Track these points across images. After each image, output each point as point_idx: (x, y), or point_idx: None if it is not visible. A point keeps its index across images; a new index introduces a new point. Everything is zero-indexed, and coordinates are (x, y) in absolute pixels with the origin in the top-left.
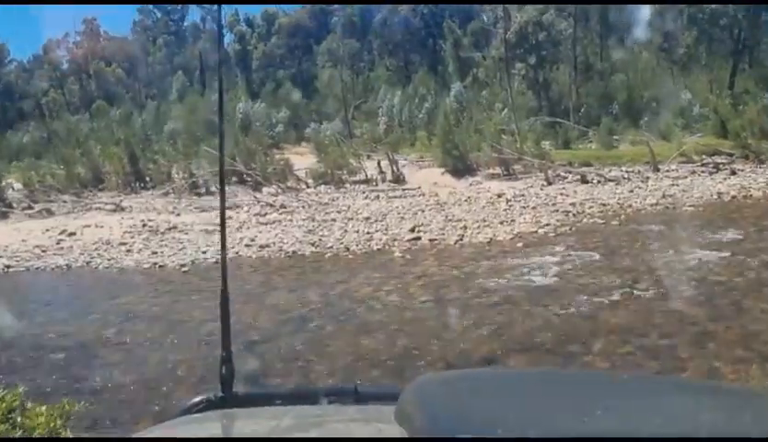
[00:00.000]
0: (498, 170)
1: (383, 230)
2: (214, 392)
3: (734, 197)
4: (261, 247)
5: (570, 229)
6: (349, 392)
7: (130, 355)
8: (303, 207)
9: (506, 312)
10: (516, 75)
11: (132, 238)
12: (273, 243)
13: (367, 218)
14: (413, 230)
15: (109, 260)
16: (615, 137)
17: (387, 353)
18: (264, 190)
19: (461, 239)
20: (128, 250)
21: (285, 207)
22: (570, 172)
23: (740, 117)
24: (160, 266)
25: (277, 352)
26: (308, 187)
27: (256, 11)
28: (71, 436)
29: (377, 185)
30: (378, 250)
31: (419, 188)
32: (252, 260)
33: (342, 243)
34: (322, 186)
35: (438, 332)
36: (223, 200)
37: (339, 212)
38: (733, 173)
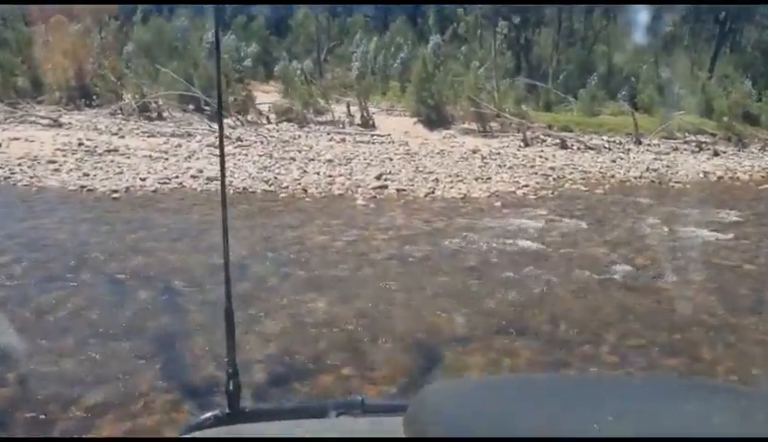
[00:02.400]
0: (474, 126)
1: (347, 175)
2: (221, 409)
3: (720, 178)
4: (209, 179)
5: (552, 193)
6: (356, 405)
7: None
8: (261, 143)
9: (484, 280)
10: (498, 33)
11: (64, 156)
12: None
13: (330, 161)
14: (379, 178)
15: (31, 177)
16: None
17: (336, 318)
18: (222, 121)
19: (432, 193)
20: (56, 169)
21: (241, 141)
22: (549, 136)
23: (726, 98)
24: (89, 189)
25: (199, 304)
26: (269, 122)
27: None
28: (72, 437)
29: (343, 128)
30: (340, 195)
31: (389, 135)
32: (197, 193)
33: (299, 184)
34: (285, 123)
35: (402, 298)
36: (224, 194)
37: (300, 151)
38: (716, 154)
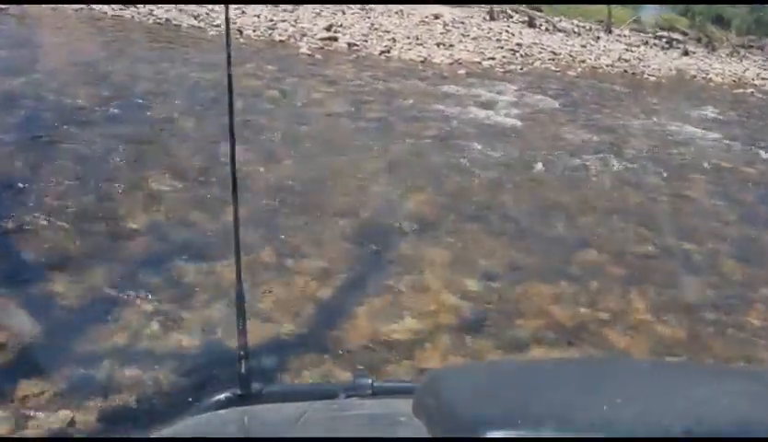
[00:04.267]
0: None
1: (292, 22)
2: (232, 390)
3: (694, 77)
4: (125, 4)
5: (521, 69)
6: (366, 387)
7: None
8: None
9: (447, 153)
10: None
11: None
12: (144, 4)
13: (275, 5)
14: (328, 29)
15: None
16: None
17: (254, 182)
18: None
19: (388, 52)
20: None
21: None
22: (517, 12)
23: None
24: None
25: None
26: None
27: None
28: (74, 437)
29: None
30: (281, 41)
31: None
32: (107, 18)
33: (234, 24)
34: None
35: (344, 165)
36: (235, 191)
37: None
38: (686, 53)
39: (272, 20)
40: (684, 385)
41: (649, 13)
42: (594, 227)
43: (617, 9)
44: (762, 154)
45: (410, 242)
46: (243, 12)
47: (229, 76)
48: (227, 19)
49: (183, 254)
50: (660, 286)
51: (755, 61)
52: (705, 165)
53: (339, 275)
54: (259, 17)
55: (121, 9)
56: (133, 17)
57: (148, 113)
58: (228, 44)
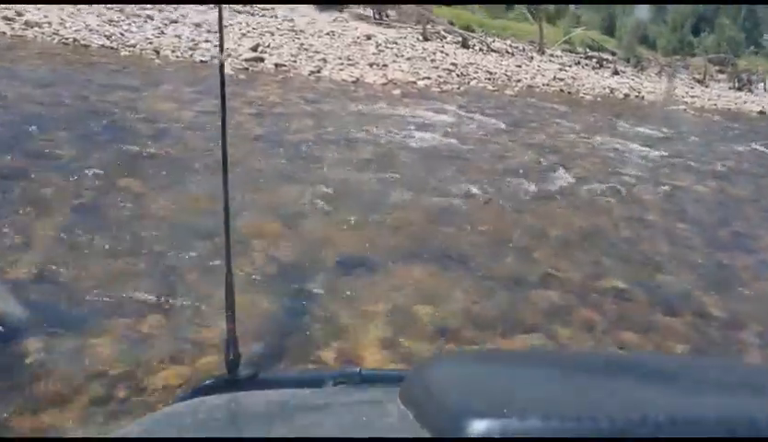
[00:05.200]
0: (369, 13)
1: (214, 43)
2: (220, 376)
3: (627, 96)
4: (29, 25)
5: (458, 89)
6: (354, 375)
7: None
8: None
9: (382, 180)
10: None
11: None
12: (49, 24)
13: (198, 25)
14: (255, 49)
15: None
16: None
17: (158, 222)
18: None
19: (318, 72)
20: None
21: None
22: (450, 33)
23: (629, 18)
24: None
25: None
26: None
27: None
28: (74, 436)
29: None
30: (202, 61)
31: (272, 9)
32: (6, 38)
33: (151, 44)
34: None
35: (262, 197)
36: (226, 191)
37: (160, 12)
38: (616, 72)
39: (193, 40)
40: (673, 378)
41: (578, 31)
42: (552, 260)
43: (548, 29)
44: (709, 171)
45: (337, 288)
46: (162, 32)
47: (221, 66)
48: (221, 19)
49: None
50: (635, 331)
51: (682, 79)
52: (658, 185)
53: (249, 343)
54: (180, 37)
55: (23, 29)
56: (36, 36)
57: (23, 142)
58: (221, 47)
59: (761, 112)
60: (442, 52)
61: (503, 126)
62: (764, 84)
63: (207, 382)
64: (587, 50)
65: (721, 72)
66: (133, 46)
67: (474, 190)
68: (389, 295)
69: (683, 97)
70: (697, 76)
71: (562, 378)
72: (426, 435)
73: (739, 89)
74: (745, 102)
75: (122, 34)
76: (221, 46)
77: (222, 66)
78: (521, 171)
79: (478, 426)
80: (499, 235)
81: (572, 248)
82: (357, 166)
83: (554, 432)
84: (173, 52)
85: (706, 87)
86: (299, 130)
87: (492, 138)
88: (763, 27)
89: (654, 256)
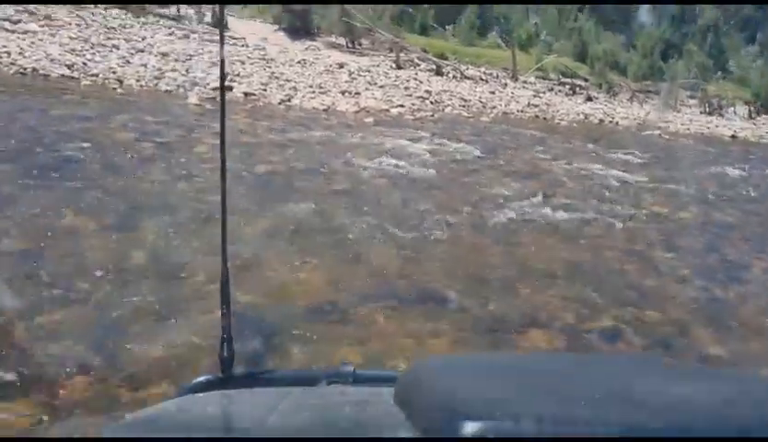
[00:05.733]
0: (343, 41)
1: (182, 72)
2: (214, 373)
3: (601, 121)
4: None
5: (432, 116)
6: (348, 375)
7: None
8: (79, 25)
9: (355, 213)
10: None
11: None
12: (8, 53)
13: (165, 55)
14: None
15: None
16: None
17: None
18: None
19: (289, 101)
20: None
21: (50, 19)
22: (424, 61)
23: (601, 44)
24: None
25: None
26: (96, 6)
27: None
28: (73, 436)
29: (190, 24)
30: (168, 92)
31: (244, 39)
32: None
33: (114, 73)
34: (116, 9)
35: (239, 232)
36: (224, 190)
37: (128, 41)
38: (589, 99)
39: (160, 70)
40: (667, 383)
41: (550, 58)
42: (538, 298)
43: (520, 56)
44: (690, 196)
45: (303, 339)
46: (128, 61)
47: (222, 75)
48: (221, 21)
49: None
50: None
51: (653, 104)
52: (642, 212)
53: None
54: (146, 66)
55: None
56: None
57: None
58: (222, 48)
59: (732, 136)
60: (416, 79)
61: (478, 153)
62: (734, 108)
63: (199, 380)
64: (560, 76)
65: (692, 97)
66: (96, 75)
67: (451, 219)
68: (360, 342)
69: (656, 122)
70: (669, 102)
71: (555, 380)
72: (420, 435)
73: (710, 114)
74: (717, 126)
75: (84, 64)
76: (221, 46)
77: (222, 64)
78: (502, 200)
79: (471, 427)
80: (478, 269)
81: (556, 282)
82: (326, 198)
83: (547, 432)
84: (138, 81)
85: (678, 112)
86: (264, 160)
87: (469, 166)
88: (729, 53)
89: (645, 292)
